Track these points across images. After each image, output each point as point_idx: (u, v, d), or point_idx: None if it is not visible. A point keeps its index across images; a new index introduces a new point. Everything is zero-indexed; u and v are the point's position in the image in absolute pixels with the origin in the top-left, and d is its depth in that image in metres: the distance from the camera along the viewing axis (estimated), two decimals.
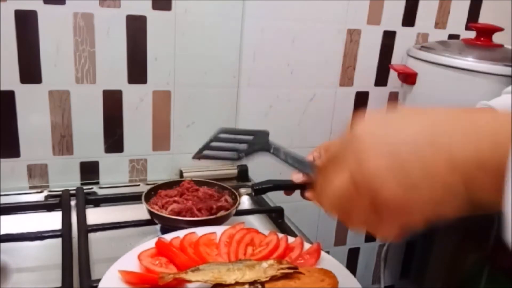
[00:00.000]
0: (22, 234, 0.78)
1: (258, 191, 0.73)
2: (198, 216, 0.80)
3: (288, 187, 0.69)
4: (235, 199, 0.86)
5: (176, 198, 0.83)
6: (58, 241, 0.77)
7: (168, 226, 0.79)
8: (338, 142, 0.43)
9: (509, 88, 0.85)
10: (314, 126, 1.18)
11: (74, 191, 0.95)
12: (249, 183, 0.84)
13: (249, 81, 1.10)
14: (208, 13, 1.01)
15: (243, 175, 1.12)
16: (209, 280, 0.59)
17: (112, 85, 1.00)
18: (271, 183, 0.71)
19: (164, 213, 0.79)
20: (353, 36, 1.16)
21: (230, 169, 1.12)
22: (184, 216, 0.79)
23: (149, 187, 0.87)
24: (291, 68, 1.12)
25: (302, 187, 0.67)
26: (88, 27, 0.94)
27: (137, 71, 1.01)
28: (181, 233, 0.73)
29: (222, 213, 0.81)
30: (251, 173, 1.12)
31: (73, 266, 0.71)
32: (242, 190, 0.81)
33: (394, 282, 1.48)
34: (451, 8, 1.23)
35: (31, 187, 1.00)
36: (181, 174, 1.08)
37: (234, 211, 0.83)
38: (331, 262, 0.69)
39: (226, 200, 0.86)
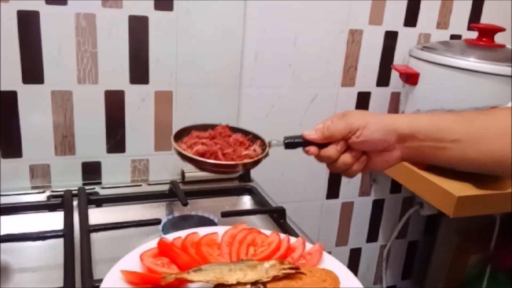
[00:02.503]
0: (24, 234, 0.78)
1: (289, 145, 0.73)
2: (221, 160, 0.74)
3: (315, 145, 0.71)
4: (265, 149, 0.79)
5: (204, 140, 0.77)
6: (60, 241, 0.77)
7: (192, 165, 0.75)
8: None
9: None
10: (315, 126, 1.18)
11: (76, 191, 0.95)
12: (275, 141, 0.75)
13: (251, 81, 1.10)
14: (210, 13, 1.02)
15: (244, 175, 1.12)
16: (211, 280, 0.59)
17: (114, 85, 1.00)
18: (300, 138, 0.73)
19: (188, 153, 0.74)
20: (355, 37, 1.16)
21: None
22: (208, 158, 0.74)
23: (180, 128, 0.81)
24: (293, 68, 1.12)
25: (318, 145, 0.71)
26: (90, 28, 0.95)
27: (139, 71, 1.01)
28: (183, 233, 0.73)
29: (245, 160, 0.75)
30: (252, 173, 1.12)
31: (75, 266, 0.71)
32: (273, 142, 0.76)
33: (395, 282, 1.48)
34: (453, 8, 1.23)
35: (33, 187, 1.00)
36: (183, 174, 1.09)
37: (258, 161, 0.76)
38: (333, 263, 0.69)
39: (254, 150, 0.79)
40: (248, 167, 0.76)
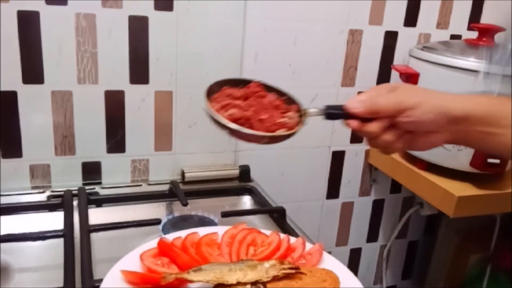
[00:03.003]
0: (24, 234, 0.78)
1: (330, 115, 0.68)
2: (255, 129, 0.68)
3: (356, 118, 0.66)
4: (301, 117, 0.72)
5: (238, 102, 0.70)
6: (60, 241, 0.77)
7: (221, 129, 0.69)
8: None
9: None
10: (316, 126, 1.18)
11: (76, 191, 0.95)
12: (312, 108, 0.69)
13: None
14: (210, 13, 1.02)
15: (244, 175, 1.12)
16: (211, 280, 0.59)
17: (114, 85, 1.00)
18: (342, 109, 0.66)
19: (222, 116, 0.67)
20: (355, 37, 1.16)
21: (231, 169, 1.12)
22: (242, 125, 0.67)
23: (210, 83, 0.75)
24: (293, 68, 1.12)
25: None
26: (90, 28, 0.95)
27: (139, 71, 1.01)
28: (183, 233, 0.73)
29: (281, 131, 0.69)
30: (252, 174, 1.12)
31: (75, 266, 0.71)
32: (312, 110, 0.69)
33: (395, 282, 1.48)
34: (453, 8, 1.23)
35: (33, 187, 1.00)
36: (183, 174, 1.09)
37: (295, 132, 0.70)
38: (333, 263, 0.69)
39: (290, 117, 0.72)
40: (282, 139, 0.70)
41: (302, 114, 0.71)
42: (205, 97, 0.70)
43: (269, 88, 0.74)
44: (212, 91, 0.72)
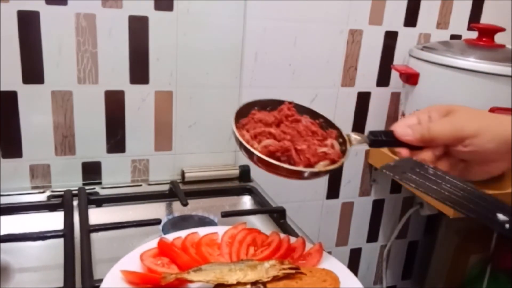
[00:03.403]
0: (24, 234, 0.78)
1: (376, 143, 0.61)
2: (296, 163, 0.60)
3: (405, 145, 0.60)
4: (343, 145, 0.64)
5: (272, 130, 0.62)
6: (60, 241, 0.77)
7: (258, 166, 0.62)
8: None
9: None
10: None
11: (76, 191, 0.95)
12: (357, 134, 0.62)
13: (251, 81, 1.10)
14: (210, 13, 1.02)
15: (244, 175, 1.12)
16: (211, 280, 0.59)
17: (114, 85, 1.00)
18: (390, 136, 0.60)
19: (255, 148, 0.60)
20: (355, 37, 1.16)
21: (231, 169, 1.12)
22: (279, 158, 0.60)
23: (239, 106, 0.67)
24: (293, 68, 1.12)
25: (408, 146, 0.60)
26: (90, 28, 0.95)
27: (139, 71, 1.01)
28: (183, 233, 0.73)
29: (323, 165, 0.60)
30: (252, 174, 1.12)
31: (75, 266, 0.71)
32: (354, 137, 0.62)
33: (395, 282, 1.48)
34: (453, 8, 1.23)
35: (33, 187, 1.00)
36: (183, 174, 1.09)
37: (341, 166, 0.62)
38: (333, 263, 0.69)
39: (332, 145, 0.63)
40: (326, 174, 0.63)
41: (342, 140, 0.64)
42: (233, 123, 0.63)
43: (300, 109, 0.67)
44: (241, 114, 0.65)
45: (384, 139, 0.61)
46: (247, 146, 0.60)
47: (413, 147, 0.59)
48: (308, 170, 0.60)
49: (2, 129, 0.95)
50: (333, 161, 0.61)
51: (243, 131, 0.64)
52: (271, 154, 0.60)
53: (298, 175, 0.61)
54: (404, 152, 0.59)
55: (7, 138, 0.96)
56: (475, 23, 1.13)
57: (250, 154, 0.61)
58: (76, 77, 0.97)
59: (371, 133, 0.62)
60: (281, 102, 0.66)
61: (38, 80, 0.94)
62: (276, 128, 0.63)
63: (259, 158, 0.59)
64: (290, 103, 0.66)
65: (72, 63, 0.95)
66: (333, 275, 0.63)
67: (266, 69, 1.10)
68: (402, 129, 0.60)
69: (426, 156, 0.58)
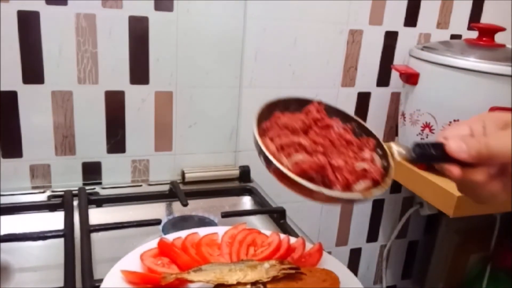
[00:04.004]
0: (24, 234, 0.78)
1: (423, 157, 0.52)
2: (332, 183, 0.50)
3: (456, 161, 0.51)
4: (383, 158, 0.54)
5: (302, 140, 0.52)
6: (60, 241, 0.77)
7: (282, 183, 0.51)
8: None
9: None
10: None
11: (76, 192, 0.95)
12: (398, 146, 0.53)
13: (251, 81, 1.10)
14: (210, 13, 1.02)
15: (244, 176, 1.12)
16: (211, 280, 0.59)
17: (114, 85, 1.00)
18: (440, 149, 0.51)
19: (285, 165, 0.49)
20: (355, 37, 1.16)
21: (231, 170, 1.12)
22: (312, 179, 0.49)
23: (260, 108, 0.56)
24: (293, 68, 1.12)
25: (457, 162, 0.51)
26: (90, 28, 0.95)
27: (139, 71, 1.01)
28: (183, 234, 0.73)
29: (364, 187, 0.51)
30: (253, 174, 1.12)
31: (76, 266, 0.71)
32: (397, 150, 0.52)
33: (395, 282, 1.48)
34: (453, 8, 1.23)
35: (33, 187, 1.00)
36: (183, 174, 1.09)
37: (386, 188, 0.52)
38: (333, 262, 0.69)
39: (372, 159, 0.53)
40: (365, 200, 0.51)
41: (382, 153, 0.54)
42: (255, 128, 0.52)
43: (328, 110, 0.57)
44: (262, 115, 0.55)
45: (434, 153, 0.51)
46: (275, 163, 0.49)
47: (465, 164, 0.50)
48: (355, 197, 0.49)
49: (2, 129, 0.95)
50: (375, 181, 0.51)
51: (266, 139, 0.52)
52: (304, 173, 0.49)
53: (337, 201, 0.50)
54: (455, 171, 0.51)
55: (7, 138, 0.96)
56: (475, 23, 1.13)
57: (275, 170, 0.50)
58: (76, 77, 0.97)
59: (418, 145, 0.52)
60: (306, 101, 0.57)
61: (38, 80, 0.94)
62: (305, 136, 0.53)
63: (287, 177, 0.48)
64: (319, 103, 0.56)
65: (72, 63, 0.96)
66: (333, 275, 0.64)
67: (266, 69, 1.10)
68: (456, 143, 0.50)
69: (479, 176, 0.50)
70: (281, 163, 0.49)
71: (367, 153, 0.54)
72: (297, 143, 0.52)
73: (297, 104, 0.57)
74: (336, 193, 0.49)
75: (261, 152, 0.51)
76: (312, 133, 0.54)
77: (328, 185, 0.50)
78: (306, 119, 0.55)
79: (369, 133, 0.57)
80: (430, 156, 0.52)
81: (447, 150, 0.50)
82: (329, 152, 0.52)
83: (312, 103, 0.57)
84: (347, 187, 0.50)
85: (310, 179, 0.49)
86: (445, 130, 0.53)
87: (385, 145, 0.55)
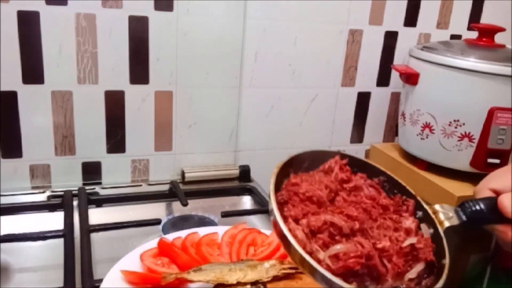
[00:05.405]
0: (24, 234, 0.78)
1: (475, 221, 0.46)
2: (382, 276, 0.40)
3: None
4: (427, 221, 0.47)
5: (335, 219, 0.41)
6: (60, 241, 0.77)
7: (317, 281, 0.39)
8: None
9: None
10: (316, 126, 1.18)
11: (76, 192, 0.95)
12: (445, 208, 0.47)
13: (251, 81, 1.10)
14: (210, 13, 1.02)
15: (244, 175, 1.12)
16: (211, 280, 0.59)
17: (114, 85, 1.00)
18: (494, 210, 0.44)
19: (324, 263, 0.39)
20: (355, 37, 1.16)
21: (231, 169, 1.12)
22: (362, 283, 0.39)
23: (275, 174, 0.47)
24: (293, 68, 1.12)
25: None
26: (90, 28, 0.95)
27: (139, 71, 1.01)
28: (183, 233, 0.73)
29: (417, 273, 0.43)
30: (253, 174, 1.12)
31: (75, 266, 0.71)
32: (444, 213, 0.46)
33: None
34: (453, 8, 1.23)
35: (33, 188, 1.00)
36: (183, 174, 1.09)
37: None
38: None
39: (416, 230, 0.45)
40: None
41: (424, 215, 0.46)
42: (274, 205, 0.42)
43: (353, 163, 0.48)
44: (278, 182, 0.45)
45: (488, 215, 0.45)
46: (312, 263, 0.38)
47: None
48: None
49: (2, 129, 0.95)
50: (429, 264, 0.43)
51: (290, 222, 0.41)
52: (349, 275, 0.38)
53: None
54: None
55: (7, 138, 0.96)
56: (475, 23, 1.13)
57: (309, 268, 0.38)
58: (76, 77, 0.97)
59: (466, 205, 0.44)
60: (322, 154, 0.47)
61: (38, 80, 0.94)
62: (334, 208, 0.43)
63: (327, 280, 0.37)
64: (342, 156, 0.46)
65: (72, 63, 0.95)
66: None
67: (266, 69, 1.10)
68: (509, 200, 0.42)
69: None
70: (318, 260, 0.38)
71: (409, 220, 0.45)
72: (329, 223, 0.41)
73: (311, 159, 0.48)
74: None
75: (284, 239, 0.39)
76: (340, 201, 0.44)
77: (376, 277, 0.40)
78: (331, 183, 0.45)
79: (398, 186, 0.47)
80: (484, 219, 0.46)
81: (503, 211, 0.43)
82: (367, 228, 0.42)
83: (333, 157, 0.46)
84: (398, 276, 0.41)
85: (354, 273, 0.39)
86: (489, 180, 0.46)
87: (427, 208, 0.46)
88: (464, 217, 0.47)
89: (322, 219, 0.41)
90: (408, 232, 0.45)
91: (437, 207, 0.48)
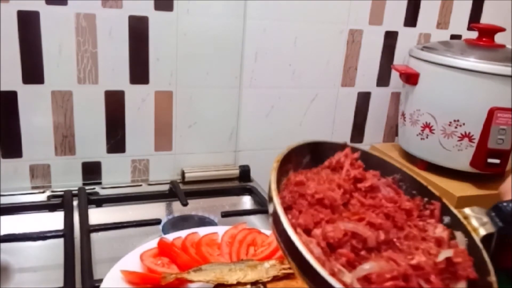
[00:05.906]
0: (24, 234, 0.78)
1: (509, 227, 0.41)
2: None
3: None
4: (456, 227, 0.41)
5: (359, 229, 0.34)
6: (60, 241, 0.77)
7: None
8: None
9: None
10: (316, 126, 1.18)
11: (76, 192, 0.95)
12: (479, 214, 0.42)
13: (251, 81, 1.10)
14: (210, 13, 1.02)
15: (244, 175, 1.12)
16: (211, 280, 0.59)
17: (114, 85, 1.00)
18: None
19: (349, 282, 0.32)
20: (355, 37, 1.16)
21: (231, 170, 1.12)
22: None
23: (275, 172, 0.39)
24: (293, 68, 1.12)
25: None
26: (90, 28, 0.94)
27: (139, 71, 1.01)
28: (183, 233, 0.73)
29: None
30: (253, 174, 1.12)
31: (75, 266, 0.71)
32: (478, 218, 0.41)
33: None
34: (453, 8, 1.23)
35: (33, 187, 1.00)
36: (183, 174, 1.09)
37: None
38: None
39: (448, 241, 0.39)
40: None
41: (452, 221, 0.40)
42: (282, 214, 0.33)
43: (368, 158, 0.40)
44: (279, 179, 0.37)
45: None
46: (337, 286, 0.29)
47: None
48: None
49: (2, 129, 0.95)
50: (470, 283, 0.36)
51: (301, 235, 0.33)
52: None
53: None
54: None
55: (7, 138, 0.96)
56: (475, 23, 1.13)
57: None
58: (76, 77, 0.97)
59: (499, 208, 0.39)
60: (325, 146, 0.39)
61: (38, 80, 0.94)
62: (351, 215, 0.35)
63: None
64: (353, 150, 0.39)
65: (72, 63, 0.95)
66: None
67: (266, 69, 1.10)
68: None
69: None
70: (343, 284, 0.30)
71: (439, 228, 0.38)
72: (350, 234, 0.32)
73: (312, 151, 0.40)
74: None
75: (295, 256, 0.31)
76: (356, 205, 0.36)
77: None
78: (344, 182, 0.37)
79: (433, 195, 0.38)
80: None
81: None
82: (393, 239, 0.34)
83: (340, 150, 0.39)
84: None
85: None
86: None
87: (455, 211, 0.39)
88: (500, 223, 0.41)
89: (342, 229, 0.33)
90: (439, 242, 0.37)
91: (467, 211, 0.42)
